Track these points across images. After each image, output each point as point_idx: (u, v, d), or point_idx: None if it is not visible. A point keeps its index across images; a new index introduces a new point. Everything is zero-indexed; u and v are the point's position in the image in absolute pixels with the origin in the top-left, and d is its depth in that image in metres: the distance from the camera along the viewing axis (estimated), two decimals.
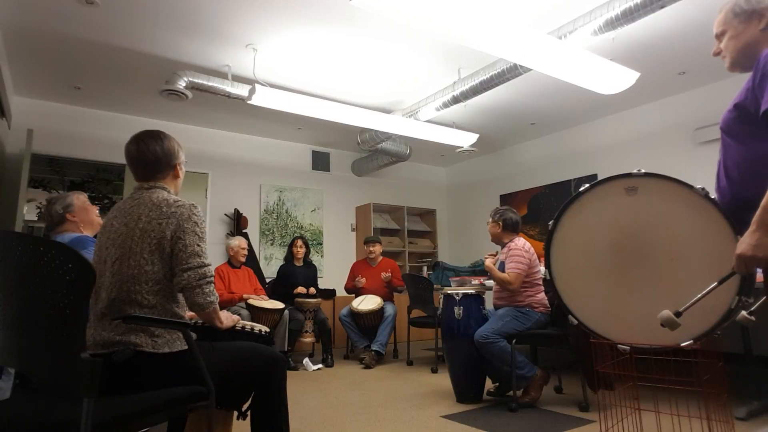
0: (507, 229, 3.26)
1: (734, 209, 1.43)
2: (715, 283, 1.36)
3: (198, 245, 1.47)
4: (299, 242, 4.84)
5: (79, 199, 2.44)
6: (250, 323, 1.90)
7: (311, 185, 6.34)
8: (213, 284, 1.49)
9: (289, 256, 4.86)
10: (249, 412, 1.58)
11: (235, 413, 1.69)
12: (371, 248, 5.01)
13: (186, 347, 1.41)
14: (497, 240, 3.31)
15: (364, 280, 4.91)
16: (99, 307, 1.41)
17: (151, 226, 1.43)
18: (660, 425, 2.27)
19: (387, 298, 4.81)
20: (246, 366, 1.53)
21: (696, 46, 3.79)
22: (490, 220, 3.32)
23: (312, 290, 4.66)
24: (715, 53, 1.52)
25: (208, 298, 1.47)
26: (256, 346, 1.59)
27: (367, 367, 4.31)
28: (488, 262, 3.16)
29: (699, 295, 1.37)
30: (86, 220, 2.33)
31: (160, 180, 1.60)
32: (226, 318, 1.63)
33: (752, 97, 1.31)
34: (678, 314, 1.34)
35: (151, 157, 1.58)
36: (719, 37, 1.49)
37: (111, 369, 1.29)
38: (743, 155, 1.38)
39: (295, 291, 4.57)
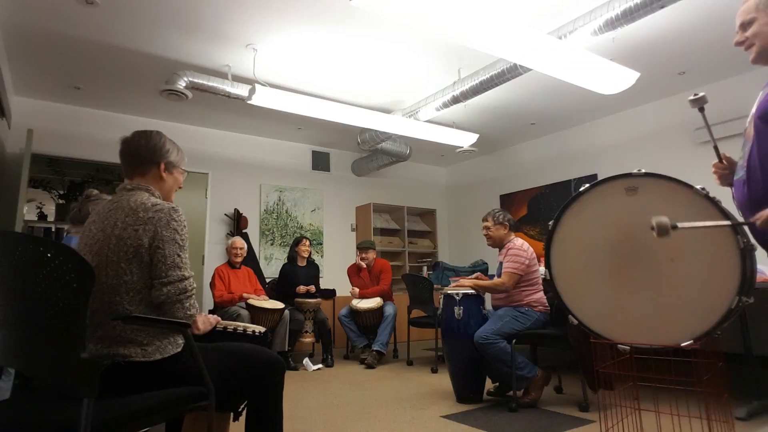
0: (512, 228, 3.28)
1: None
2: (728, 222, 1.37)
3: (178, 255, 1.37)
4: (306, 242, 4.85)
5: None
6: (242, 324, 1.89)
7: (311, 185, 6.33)
8: (194, 296, 1.41)
9: (293, 255, 4.84)
10: (244, 413, 1.55)
11: (231, 414, 1.67)
12: (365, 255, 4.93)
13: (179, 350, 1.38)
14: (499, 242, 3.27)
15: (357, 290, 4.87)
16: None
17: (127, 233, 1.34)
18: (660, 425, 2.27)
19: (387, 298, 4.80)
20: (243, 368, 1.48)
21: (696, 46, 3.79)
22: (492, 222, 3.27)
23: (311, 288, 4.66)
24: (738, 42, 1.43)
25: (188, 312, 1.38)
26: (255, 348, 1.54)
27: (370, 366, 4.30)
28: (468, 281, 3.19)
29: (707, 223, 1.38)
30: None
31: (141, 179, 1.50)
32: (203, 323, 1.53)
33: None
34: (674, 227, 1.31)
35: (132, 150, 1.50)
36: (745, 26, 1.41)
37: (103, 381, 1.23)
38: None
39: (297, 290, 4.57)
